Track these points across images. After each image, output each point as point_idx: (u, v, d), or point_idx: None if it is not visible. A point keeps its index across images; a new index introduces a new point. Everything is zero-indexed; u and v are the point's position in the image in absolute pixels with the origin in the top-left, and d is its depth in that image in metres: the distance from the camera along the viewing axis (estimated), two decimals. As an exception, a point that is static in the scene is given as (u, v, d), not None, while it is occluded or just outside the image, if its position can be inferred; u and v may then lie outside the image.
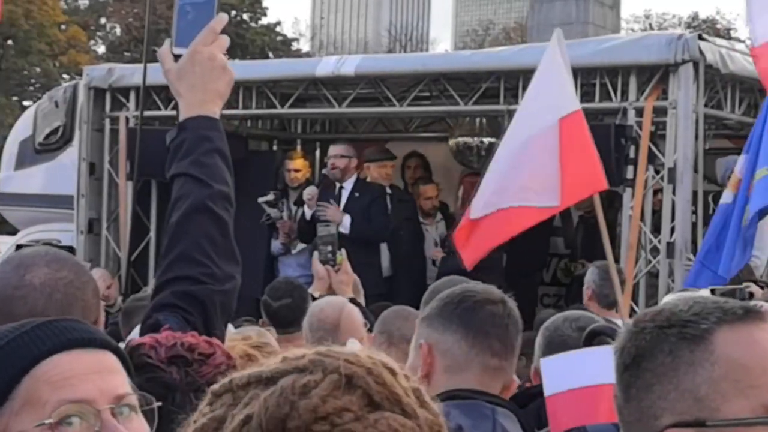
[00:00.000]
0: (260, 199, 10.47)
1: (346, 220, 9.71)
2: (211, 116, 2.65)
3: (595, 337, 5.06)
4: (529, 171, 6.51)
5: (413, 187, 10.89)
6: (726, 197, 7.32)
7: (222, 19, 2.69)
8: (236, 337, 3.26)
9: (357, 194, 10.00)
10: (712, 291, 5.06)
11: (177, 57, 2.68)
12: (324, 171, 10.21)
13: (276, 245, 10.57)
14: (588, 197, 6.90)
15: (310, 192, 10.01)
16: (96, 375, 1.78)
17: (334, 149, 10.15)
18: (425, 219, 10.64)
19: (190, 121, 2.64)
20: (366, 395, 1.19)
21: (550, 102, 6.60)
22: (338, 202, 9.97)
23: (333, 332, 4.12)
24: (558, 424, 3.54)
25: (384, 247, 10.07)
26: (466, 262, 6.62)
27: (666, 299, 3.91)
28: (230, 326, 3.98)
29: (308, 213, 9.92)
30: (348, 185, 10.03)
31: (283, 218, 10.46)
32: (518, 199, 6.53)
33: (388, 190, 10.37)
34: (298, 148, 11.90)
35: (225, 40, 2.70)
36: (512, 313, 2.81)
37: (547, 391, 3.71)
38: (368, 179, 10.28)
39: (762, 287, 7.53)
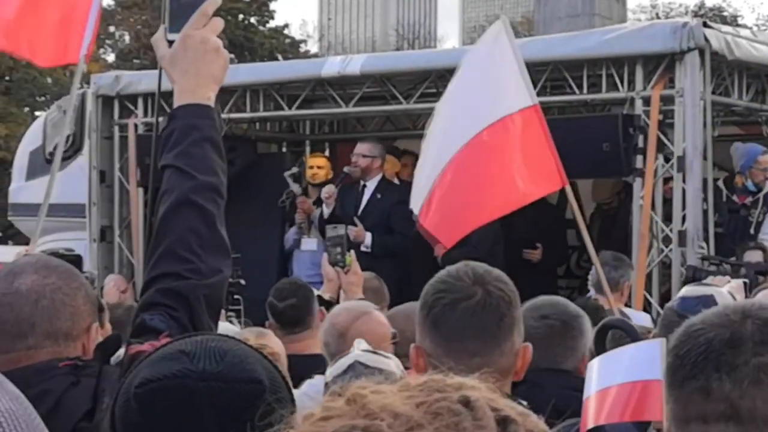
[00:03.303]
0: (286, 173, 10.46)
1: (368, 238, 9.67)
2: (203, 103, 2.57)
3: (608, 331, 5.01)
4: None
5: None
6: None
7: (214, 1, 2.61)
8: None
9: (379, 195, 9.96)
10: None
11: (171, 43, 2.61)
12: (345, 169, 10.16)
13: (290, 236, 10.53)
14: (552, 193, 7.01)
15: (327, 191, 9.98)
16: None
17: (359, 147, 10.11)
18: None
19: (181, 110, 2.56)
20: None
21: (499, 98, 6.61)
22: (359, 201, 9.96)
23: (340, 339, 4.00)
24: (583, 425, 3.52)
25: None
26: (445, 242, 6.70)
27: (684, 291, 3.89)
28: (232, 327, 3.95)
29: (326, 212, 9.91)
30: (371, 185, 10.01)
31: (304, 195, 10.45)
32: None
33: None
34: (308, 149, 11.91)
35: (218, 23, 2.62)
36: (490, 299, 2.58)
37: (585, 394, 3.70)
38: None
39: None
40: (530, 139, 6.50)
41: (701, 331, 1.63)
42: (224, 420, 1.64)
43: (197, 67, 2.57)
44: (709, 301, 3.62)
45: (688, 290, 3.86)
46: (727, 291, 3.91)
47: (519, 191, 6.62)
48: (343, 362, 3.47)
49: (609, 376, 3.77)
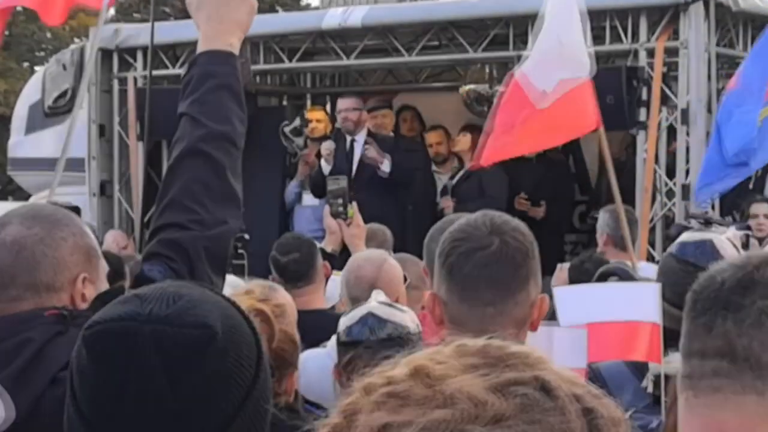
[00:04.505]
0: (286, 128, 10.39)
1: (387, 161, 9.60)
2: (224, 50, 2.54)
3: (608, 277, 4.99)
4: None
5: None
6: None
7: None
8: (239, 292, 3.19)
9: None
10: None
11: None
12: (336, 125, 10.12)
13: (291, 190, 10.47)
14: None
15: (328, 147, 9.89)
16: None
17: (344, 102, 10.02)
18: (438, 167, 10.56)
19: (201, 57, 2.55)
20: None
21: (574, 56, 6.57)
22: (351, 156, 9.87)
23: (372, 291, 3.97)
24: None
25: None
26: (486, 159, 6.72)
27: (684, 237, 3.88)
28: (238, 280, 3.92)
29: (326, 168, 9.79)
30: (360, 138, 9.92)
31: (307, 148, 10.40)
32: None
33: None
34: (308, 103, 11.82)
35: None
36: (506, 249, 2.53)
37: (562, 322, 3.68)
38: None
39: None
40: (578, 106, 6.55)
41: (721, 272, 1.66)
42: (172, 365, 1.58)
43: (221, 13, 2.56)
44: (708, 246, 3.63)
45: (688, 236, 3.86)
46: (725, 238, 3.90)
47: (556, 130, 6.65)
48: (356, 313, 3.44)
49: (593, 312, 3.75)
